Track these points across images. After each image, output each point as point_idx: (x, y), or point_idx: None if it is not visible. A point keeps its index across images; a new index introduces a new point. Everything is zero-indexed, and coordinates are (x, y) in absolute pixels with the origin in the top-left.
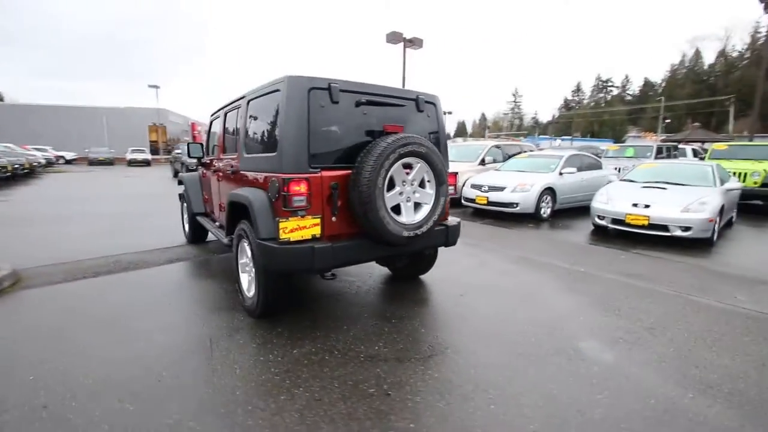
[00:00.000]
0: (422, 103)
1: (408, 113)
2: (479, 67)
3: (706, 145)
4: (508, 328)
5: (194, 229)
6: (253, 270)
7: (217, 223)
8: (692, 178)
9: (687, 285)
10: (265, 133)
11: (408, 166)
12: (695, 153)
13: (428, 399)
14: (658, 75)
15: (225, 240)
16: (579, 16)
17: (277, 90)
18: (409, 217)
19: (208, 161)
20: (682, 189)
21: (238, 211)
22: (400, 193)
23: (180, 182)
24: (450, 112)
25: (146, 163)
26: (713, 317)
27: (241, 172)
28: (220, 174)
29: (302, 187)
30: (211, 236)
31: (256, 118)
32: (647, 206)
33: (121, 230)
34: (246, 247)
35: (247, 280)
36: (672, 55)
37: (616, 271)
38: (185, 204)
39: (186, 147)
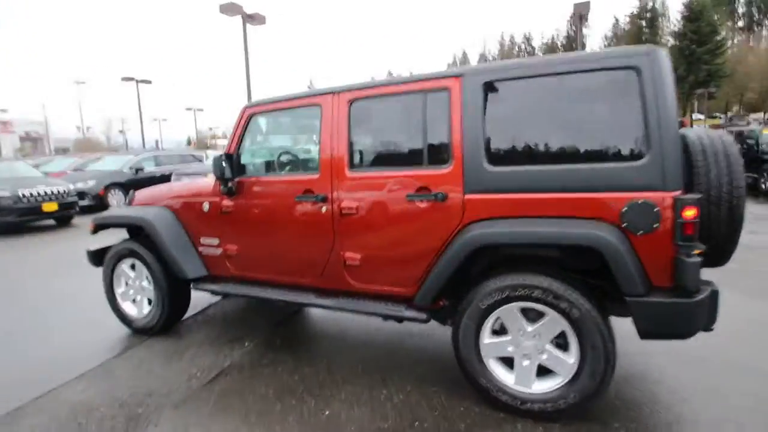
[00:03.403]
0: None
1: None
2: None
3: None
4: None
5: (172, 308)
6: (553, 351)
7: (311, 292)
8: None
9: None
10: (579, 132)
11: None
12: None
13: None
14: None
15: (414, 315)
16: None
17: (630, 67)
18: None
19: (251, 182)
20: None
21: (476, 262)
22: None
23: (125, 226)
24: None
25: None
26: None
27: (481, 196)
28: (348, 207)
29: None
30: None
31: (531, 109)
32: None
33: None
34: (518, 317)
35: (512, 368)
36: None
37: None
38: (144, 266)
39: (215, 161)
